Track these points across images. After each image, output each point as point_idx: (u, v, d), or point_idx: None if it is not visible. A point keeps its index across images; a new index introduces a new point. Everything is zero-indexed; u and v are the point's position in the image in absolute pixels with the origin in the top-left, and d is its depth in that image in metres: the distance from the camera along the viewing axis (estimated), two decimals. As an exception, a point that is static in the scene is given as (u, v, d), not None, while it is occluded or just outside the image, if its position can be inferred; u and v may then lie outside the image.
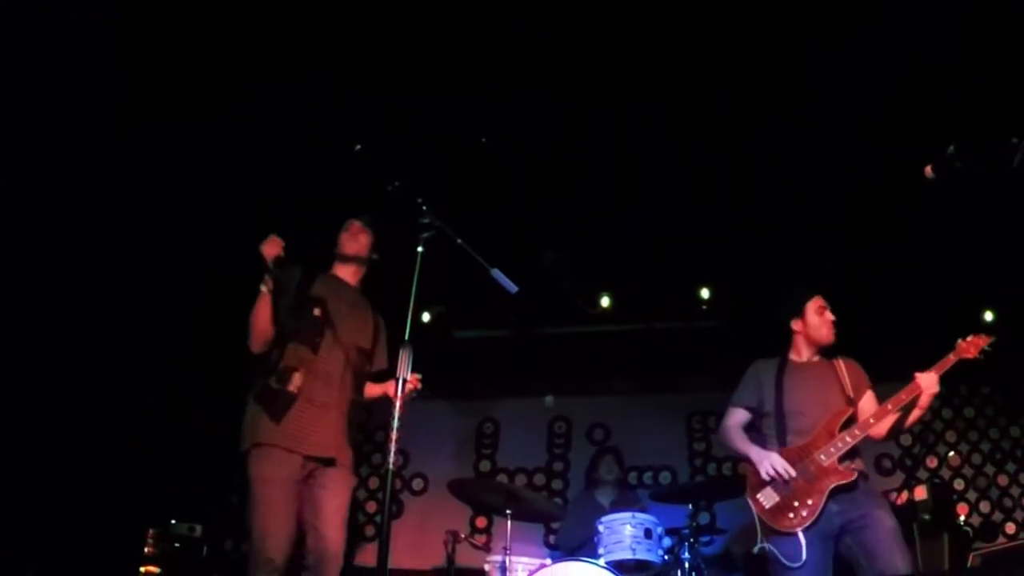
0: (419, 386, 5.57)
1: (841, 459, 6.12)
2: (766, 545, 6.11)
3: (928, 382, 6.08)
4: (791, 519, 6.05)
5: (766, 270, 10.29)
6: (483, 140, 8.40)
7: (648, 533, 8.06)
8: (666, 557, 8.23)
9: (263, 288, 5.75)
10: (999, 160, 5.06)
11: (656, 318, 11.79)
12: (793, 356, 6.87)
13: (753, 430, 6.74)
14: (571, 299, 11.28)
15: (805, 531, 5.98)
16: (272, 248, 5.70)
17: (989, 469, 11.66)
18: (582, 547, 8.59)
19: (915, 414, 6.27)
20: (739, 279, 10.73)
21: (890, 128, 8.10)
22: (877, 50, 7.38)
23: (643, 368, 12.22)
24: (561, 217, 9.56)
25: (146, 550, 8.94)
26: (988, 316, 10.88)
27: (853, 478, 6.04)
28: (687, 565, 8.11)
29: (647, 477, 12.07)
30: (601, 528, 8.16)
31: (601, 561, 7.68)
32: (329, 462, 5.80)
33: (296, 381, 5.70)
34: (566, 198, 9.29)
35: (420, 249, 5.30)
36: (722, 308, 11.27)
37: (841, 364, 6.73)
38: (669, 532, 8.45)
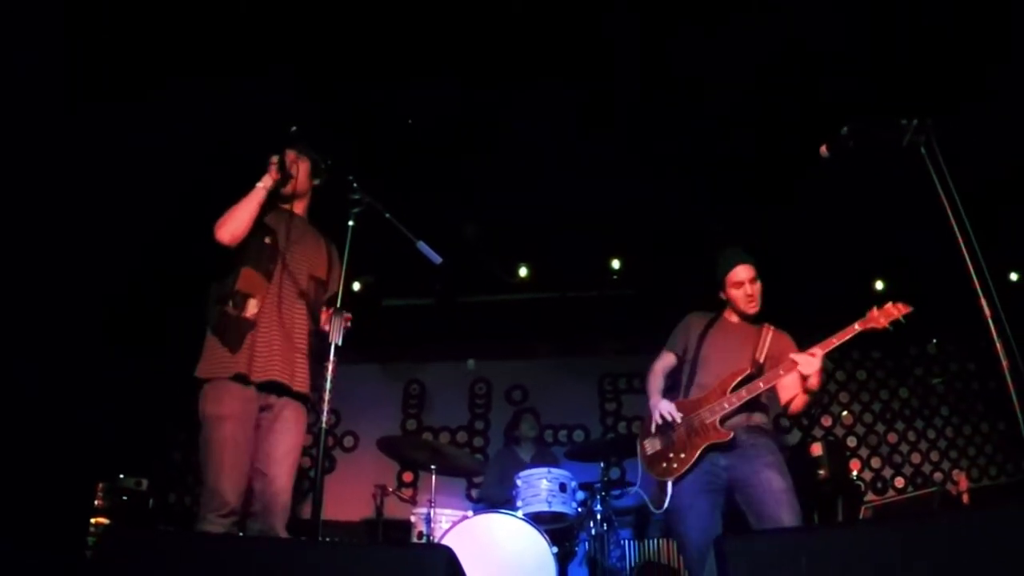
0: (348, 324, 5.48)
1: (726, 418, 6.05)
2: (638, 489, 6.19)
3: (805, 364, 5.91)
4: (663, 468, 6.07)
5: (672, 242, 10.39)
6: (409, 121, 8.39)
7: (563, 487, 8.11)
8: (580, 509, 8.28)
9: (261, 184, 5.57)
10: (889, 139, 5.13)
11: (571, 287, 11.85)
12: (726, 315, 6.76)
13: (674, 378, 6.66)
14: (491, 269, 11.30)
15: (674, 482, 5.97)
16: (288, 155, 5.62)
17: (880, 427, 11.89)
18: (502, 500, 8.62)
19: (810, 384, 6.02)
20: (647, 251, 10.80)
21: (784, 106, 8.19)
22: (771, 32, 7.45)
23: (558, 334, 12.30)
24: (482, 192, 9.58)
25: (96, 502, 8.90)
26: (879, 285, 11.06)
27: (727, 438, 5.95)
28: (599, 516, 8.21)
29: (562, 435, 12.15)
30: (519, 483, 8.22)
31: (519, 513, 7.75)
32: (284, 390, 5.54)
33: (252, 307, 5.46)
34: (486, 174, 9.29)
35: (351, 223, 5.30)
36: (631, 278, 11.35)
37: (768, 331, 6.55)
38: (582, 486, 8.49)
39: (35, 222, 8.03)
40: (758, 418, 6.22)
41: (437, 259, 5.52)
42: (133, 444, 9.88)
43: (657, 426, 6.22)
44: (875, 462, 11.70)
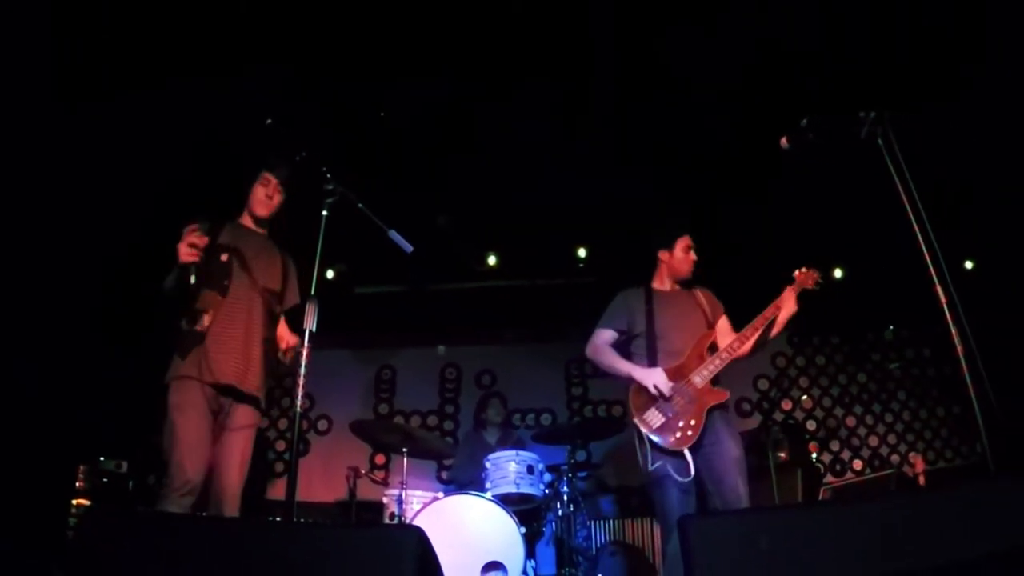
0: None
1: (713, 381, 6.20)
2: (661, 462, 6.06)
3: (787, 299, 6.31)
4: (677, 438, 6.05)
5: (636, 232, 10.40)
6: (382, 114, 8.37)
7: (531, 469, 8.14)
8: (547, 491, 8.32)
9: (188, 278, 5.53)
10: (848, 132, 5.15)
11: (538, 275, 11.87)
12: (656, 285, 6.93)
13: (623, 352, 6.72)
14: (461, 258, 11.30)
15: (690, 449, 6.01)
16: (189, 255, 5.46)
17: (838, 411, 11.98)
18: (471, 482, 8.62)
19: (774, 331, 6.45)
20: (612, 240, 10.82)
21: (750, 103, 8.21)
22: (736, 34, 7.47)
23: (526, 320, 12.31)
24: (452, 183, 9.57)
25: (77, 484, 8.90)
26: (838, 273, 11.13)
27: (727, 398, 6.17)
28: (566, 498, 8.24)
29: (530, 419, 12.17)
30: (488, 465, 8.24)
31: (488, 495, 7.77)
32: (239, 396, 5.74)
33: (205, 321, 5.64)
34: (457, 166, 9.29)
35: (325, 213, 5.32)
36: (597, 266, 11.36)
37: (699, 293, 6.86)
38: (549, 468, 8.53)
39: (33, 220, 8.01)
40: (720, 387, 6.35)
41: (408, 247, 5.56)
42: (113, 428, 9.84)
43: (659, 396, 6.22)
44: (834, 445, 11.78)
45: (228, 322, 5.77)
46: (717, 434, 6.10)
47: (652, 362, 6.43)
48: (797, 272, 6.53)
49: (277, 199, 6.29)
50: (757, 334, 6.34)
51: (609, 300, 7.02)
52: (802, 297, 6.45)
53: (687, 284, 6.93)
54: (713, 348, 6.40)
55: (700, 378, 6.18)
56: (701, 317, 6.64)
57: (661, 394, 6.19)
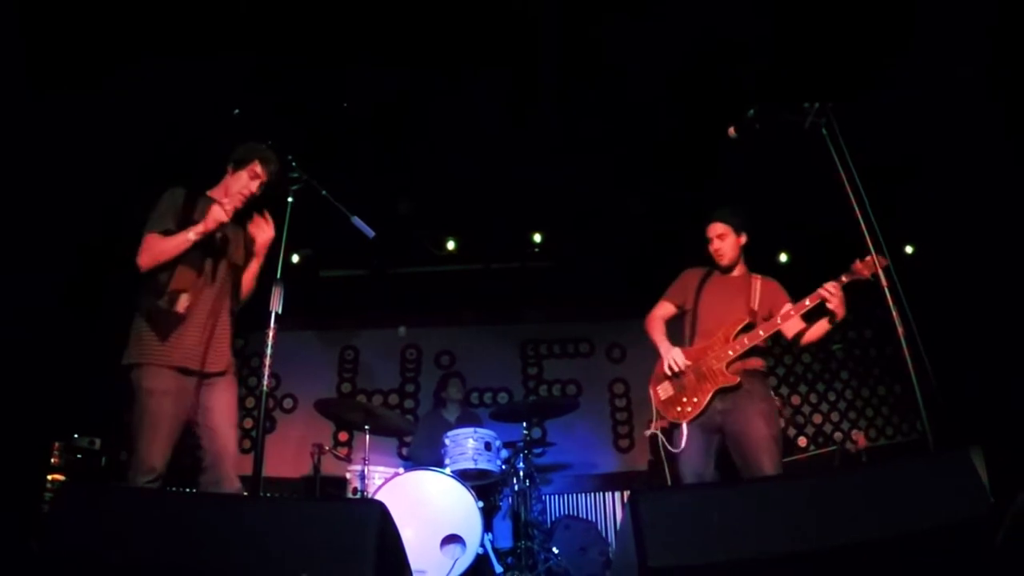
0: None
1: (731, 363, 6.17)
2: (656, 431, 6.29)
3: (831, 292, 6.03)
4: (678, 411, 6.20)
5: (589, 218, 10.44)
6: (344, 104, 8.34)
7: (488, 446, 8.19)
8: (504, 466, 8.36)
9: (192, 235, 5.37)
10: (792, 121, 5.19)
11: (495, 259, 11.88)
12: (718, 268, 6.85)
13: (678, 326, 6.77)
14: (421, 242, 11.29)
15: (689, 423, 6.11)
16: (222, 216, 5.40)
17: (784, 390, 12.07)
18: (431, 458, 8.62)
19: (823, 323, 6.31)
20: (566, 225, 10.85)
21: (696, 90, 8.23)
22: (677, 22, 7.48)
23: (484, 302, 12.32)
24: (413, 171, 9.57)
25: (52, 460, 8.87)
26: (783, 258, 11.18)
27: (735, 382, 6.10)
28: (522, 473, 8.28)
29: (487, 397, 12.18)
30: (447, 442, 8.28)
31: (447, 470, 7.81)
32: (216, 373, 5.59)
33: (184, 302, 5.42)
34: (417, 155, 9.28)
35: (290, 199, 5.31)
36: (552, 251, 11.38)
37: (758, 282, 6.67)
38: (506, 445, 8.55)
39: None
40: (754, 362, 6.34)
41: (370, 233, 5.57)
42: (86, 405, 9.79)
43: (670, 372, 6.35)
44: (779, 423, 11.83)
45: (204, 302, 5.59)
46: (745, 412, 6.07)
47: (690, 341, 6.52)
48: (858, 261, 5.85)
49: (256, 192, 5.88)
50: (798, 326, 6.36)
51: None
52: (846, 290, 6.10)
53: (751, 270, 6.80)
54: (747, 330, 6.31)
55: (716, 360, 6.20)
56: (743, 303, 6.51)
57: (671, 370, 6.34)
